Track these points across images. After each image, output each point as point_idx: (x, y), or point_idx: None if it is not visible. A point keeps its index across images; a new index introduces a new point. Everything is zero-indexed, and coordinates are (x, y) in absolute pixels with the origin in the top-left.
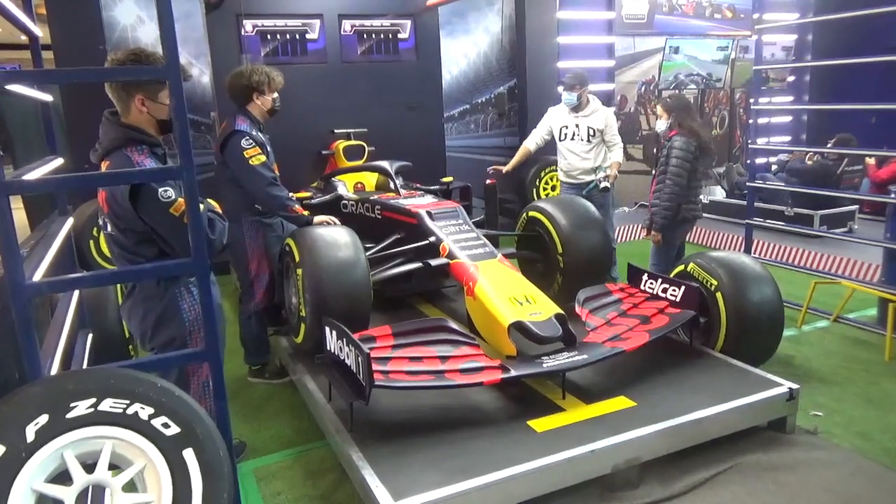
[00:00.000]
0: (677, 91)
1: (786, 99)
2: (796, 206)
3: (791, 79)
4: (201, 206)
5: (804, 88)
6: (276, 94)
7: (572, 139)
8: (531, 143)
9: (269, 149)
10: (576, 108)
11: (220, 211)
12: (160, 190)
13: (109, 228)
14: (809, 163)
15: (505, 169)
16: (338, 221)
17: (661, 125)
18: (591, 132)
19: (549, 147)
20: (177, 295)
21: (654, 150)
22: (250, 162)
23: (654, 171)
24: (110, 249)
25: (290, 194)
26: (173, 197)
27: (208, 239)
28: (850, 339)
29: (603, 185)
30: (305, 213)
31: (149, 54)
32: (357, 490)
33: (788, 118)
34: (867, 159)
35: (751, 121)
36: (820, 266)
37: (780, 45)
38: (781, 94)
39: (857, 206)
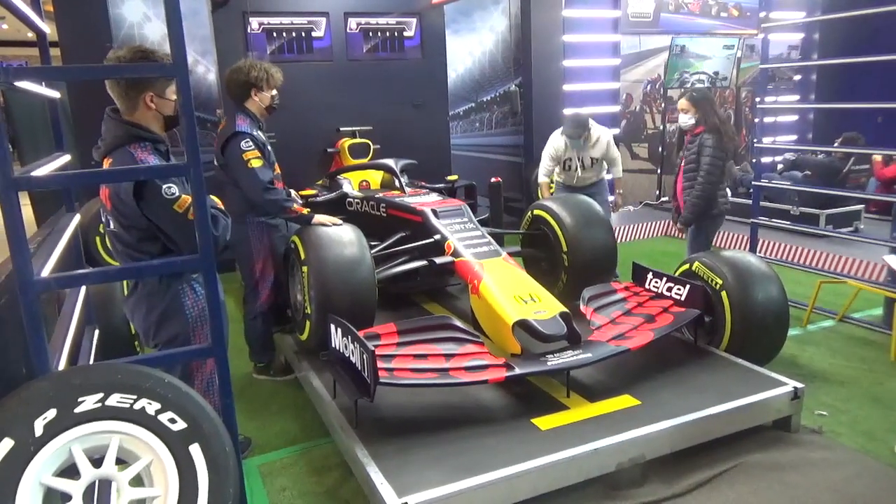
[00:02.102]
0: (714, 83)
1: (792, 98)
2: (802, 205)
3: (797, 77)
4: None
5: (811, 87)
6: (274, 92)
7: (576, 170)
8: (543, 176)
9: (269, 148)
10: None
11: (222, 207)
12: (164, 187)
13: (112, 226)
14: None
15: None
16: (338, 221)
17: (686, 119)
18: (592, 161)
19: None
20: (180, 292)
21: (660, 149)
22: (249, 165)
23: (679, 166)
24: (113, 247)
25: (290, 194)
26: (177, 194)
27: (212, 235)
28: (856, 339)
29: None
30: (305, 211)
31: (153, 51)
32: (362, 487)
33: (795, 117)
34: (874, 157)
35: (756, 119)
36: (825, 265)
37: (787, 43)
38: (788, 93)
39: (863, 206)
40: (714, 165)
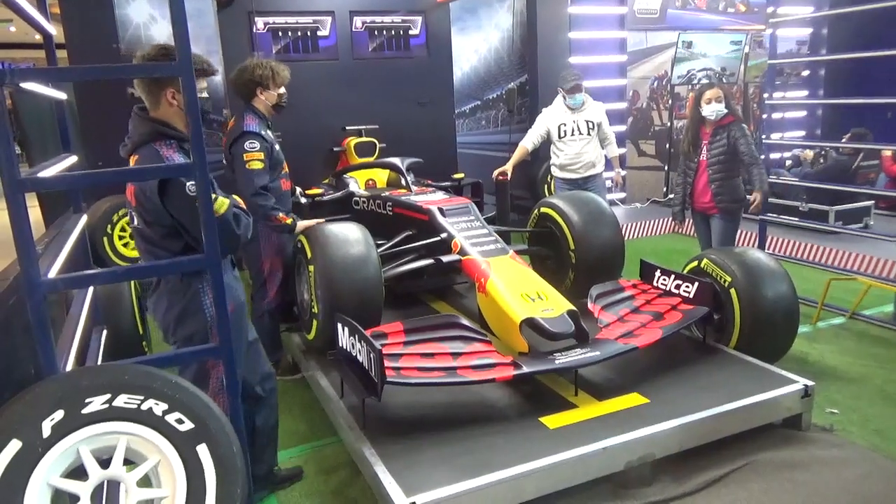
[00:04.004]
0: (721, 79)
1: (800, 93)
2: (811, 201)
3: (806, 73)
4: (227, 201)
5: (819, 83)
6: (282, 90)
7: (572, 135)
8: (528, 142)
9: (277, 148)
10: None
11: (244, 207)
12: (188, 184)
13: (136, 222)
14: (808, 158)
15: (507, 169)
16: (322, 221)
17: (717, 108)
18: (590, 125)
19: None
20: (199, 290)
21: (667, 146)
22: (247, 165)
23: (698, 160)
24: (137, 244)
25: (294, 191)
26: None
27: (234, 234)
28: (867, 336)
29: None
30: (289, 221)
31: (173, 49)
32: (369, 486)
33: (803, 113)
34: (883, 153)
35: (764, 116)
36: (835, 262)
37: (795, 38)
38: (796, 89)
39: (872, 202)
40: (752, 148)
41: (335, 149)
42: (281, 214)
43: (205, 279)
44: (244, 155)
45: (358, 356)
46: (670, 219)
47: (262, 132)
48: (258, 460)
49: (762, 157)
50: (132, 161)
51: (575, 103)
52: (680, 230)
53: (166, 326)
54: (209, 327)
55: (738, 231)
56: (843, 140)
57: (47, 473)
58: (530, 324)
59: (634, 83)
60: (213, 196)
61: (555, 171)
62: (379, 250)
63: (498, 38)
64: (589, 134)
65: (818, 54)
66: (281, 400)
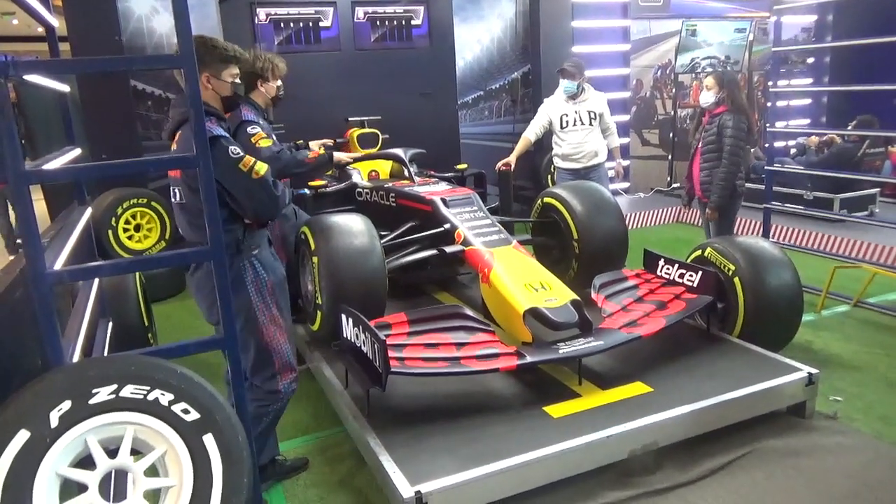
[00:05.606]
0: (726, 67)
1: (805, 81)
2: (816, 189)
3: (811, 60)
4: (266, 165)
5: (824, 70)
6: (279, 82)
7: (574, 125)
8: (531, 133)
9: (274, 138)
10: (573, 96)
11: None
12: (230, 148)
13: (178, 198)
14: (813, 145)
15: (510, 160)
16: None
17: (709, 97)
18: (592, 115)
19: None
20: (242, 268)
21: (671, 135)
22: (258, 145)
23: (696, 147)
24: (179, 222)
25: (300, 150)
26: (241, 154)
27: (273, 195)
28: (871, 324)
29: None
30: (321, 151)
31: (210, 39)
32: (374, 475)
33: (808, 101)
34: (889, 148)
35: (769, 104)
36: (840, 250)
37: (800, 25)
38: (801, 77)
39: (878, 189)
40: (737, 146)
41: (338, 140)
42: (311, 153)
43: (246, 257)
44: (251, 139)
45: (362, 347)
46: (674, 208)
47: (259, 121)
48: (259, 450)
49: (766, 145)
50: (175, 138)
51: (568, 89)
52: (685, 219)
53: (210, 305)
54: (254, 305)
55: (737, 220)
56: (849, 127)
57: (56, 463)
58: (534, 314)
59: (638, 72)
60: (253, 160)
61: (557, 162)
62: (382, 241)
63: (501, 28)
64: (591, 124)
65: (823, 41)
66: None
